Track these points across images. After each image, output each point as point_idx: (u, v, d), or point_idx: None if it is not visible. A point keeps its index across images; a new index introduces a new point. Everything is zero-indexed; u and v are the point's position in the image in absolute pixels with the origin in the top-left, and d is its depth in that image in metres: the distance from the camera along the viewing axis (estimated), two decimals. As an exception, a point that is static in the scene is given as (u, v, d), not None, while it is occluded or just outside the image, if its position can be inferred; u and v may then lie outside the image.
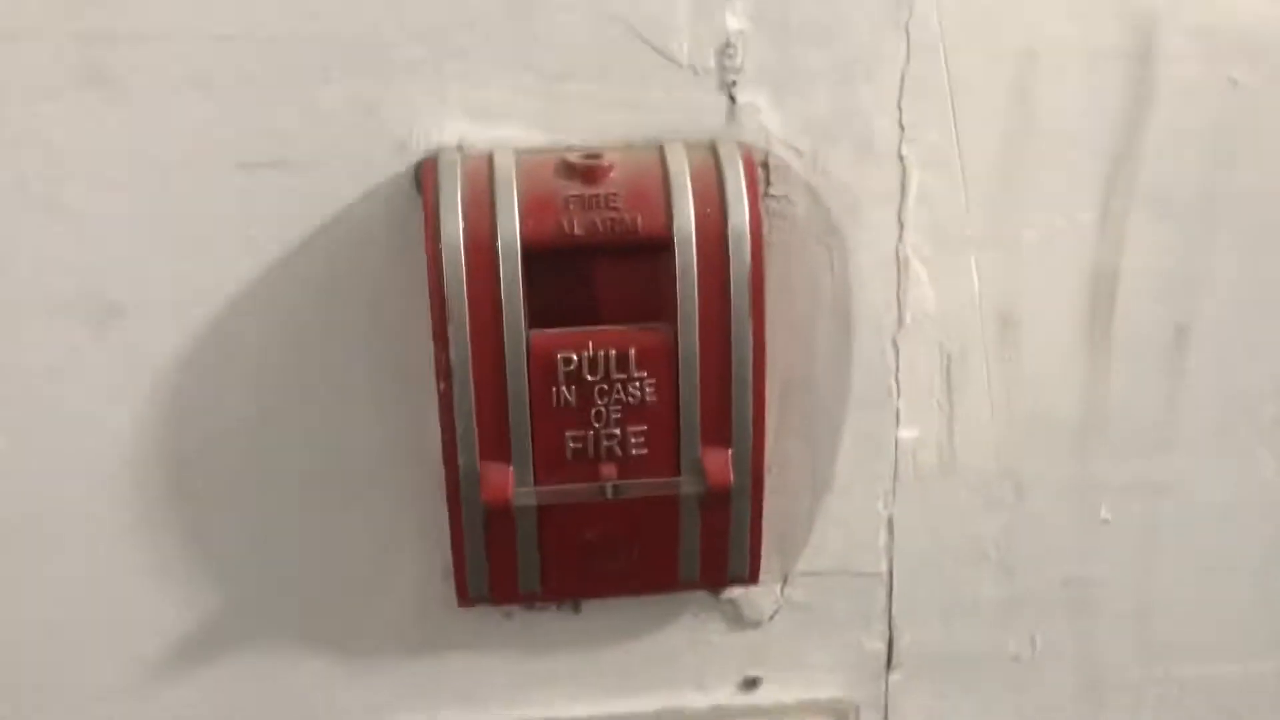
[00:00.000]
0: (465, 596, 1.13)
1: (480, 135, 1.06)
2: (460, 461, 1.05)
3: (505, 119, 1.06)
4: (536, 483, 1.06)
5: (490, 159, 1.04)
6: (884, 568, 1.21)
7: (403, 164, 1.06)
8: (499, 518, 1.07)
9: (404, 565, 1.16)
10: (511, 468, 1.05)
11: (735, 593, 1.19)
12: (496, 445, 1.05)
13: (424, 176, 1.05)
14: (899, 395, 1.16)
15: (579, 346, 1.03)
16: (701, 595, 1.19)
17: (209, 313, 1.07)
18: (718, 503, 1.09)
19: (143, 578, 1.13)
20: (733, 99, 1.07)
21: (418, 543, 1.15)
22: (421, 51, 1.03)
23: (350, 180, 1.06)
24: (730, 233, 1.02)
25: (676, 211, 1.02)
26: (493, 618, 1.17)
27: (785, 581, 1.19)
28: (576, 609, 1.18)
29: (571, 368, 1.03)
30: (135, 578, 1.13)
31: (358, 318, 1.09)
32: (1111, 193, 1.13)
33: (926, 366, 1.16)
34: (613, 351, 1.03)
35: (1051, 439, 1.19)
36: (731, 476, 1.06)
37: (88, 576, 1.12)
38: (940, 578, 1.22)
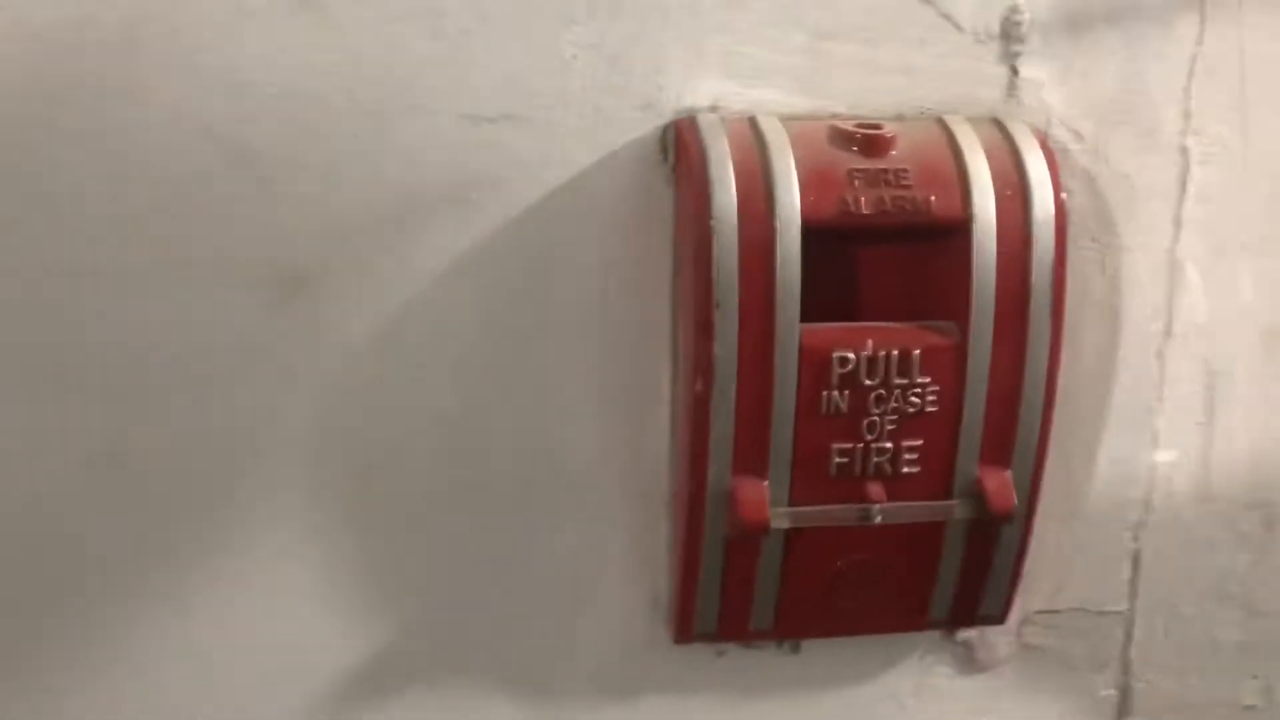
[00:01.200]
0: (687, 632, 0.98)
1: (737, 97, 0.91)
2: (709, 475, 0.90)
3: (766, 79, 0.92)
4: (792, 502, 0.91)
5: (754, 123, 0.90)
6: (1125, 606, 1.08)
7: (647, 125, 0.91)
8: (745, 543, 0.92)
9: (609, 595, 1.00)
10: (767, 484, 0.90)
11: (970, 633, 1.05)
12: (753, 457, 0.90)
13: (681, 140, 0.90)
14: (1159, 414, 1.04)
15: (857, 345, 0.88)
16: (933, 635, 1.05)
17: (410, 288, 0.90)
18: (989, 532, 0.95)
19: (313, 602, 0.95)
20: (1015, 71, 0.95)
21: (626, 569, 0.99)
22: (678, -5, 0.88)
23: (585, 141, 0.90)
24: (1034, 220, 0.89)
25: (976, 192, 0.88)
26: (704, 656, 1.02)
27: (1024, 620, 1.05)
28: (796, 648, 1.03)
29: (848, 369, 0.88)
30: (304, 602, 0.95)
31: (583, 302, 0.93)
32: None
33: (1190, 383, 1.04)
34: (894, 352, 0.89)
35: (1308, 466, 1.08)
36: (1014, 501, 0.92)
37: (252, 600, 0.94)
38: (1180, 618, 1.10)
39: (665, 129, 0.91)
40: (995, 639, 1.06)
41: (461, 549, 0.96)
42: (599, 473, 0.96)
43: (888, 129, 0.89)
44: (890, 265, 0.91)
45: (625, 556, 0.99)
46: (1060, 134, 0.96)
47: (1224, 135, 0.98)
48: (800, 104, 0.92)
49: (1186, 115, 0.98)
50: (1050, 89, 0.95)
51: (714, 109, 0.91)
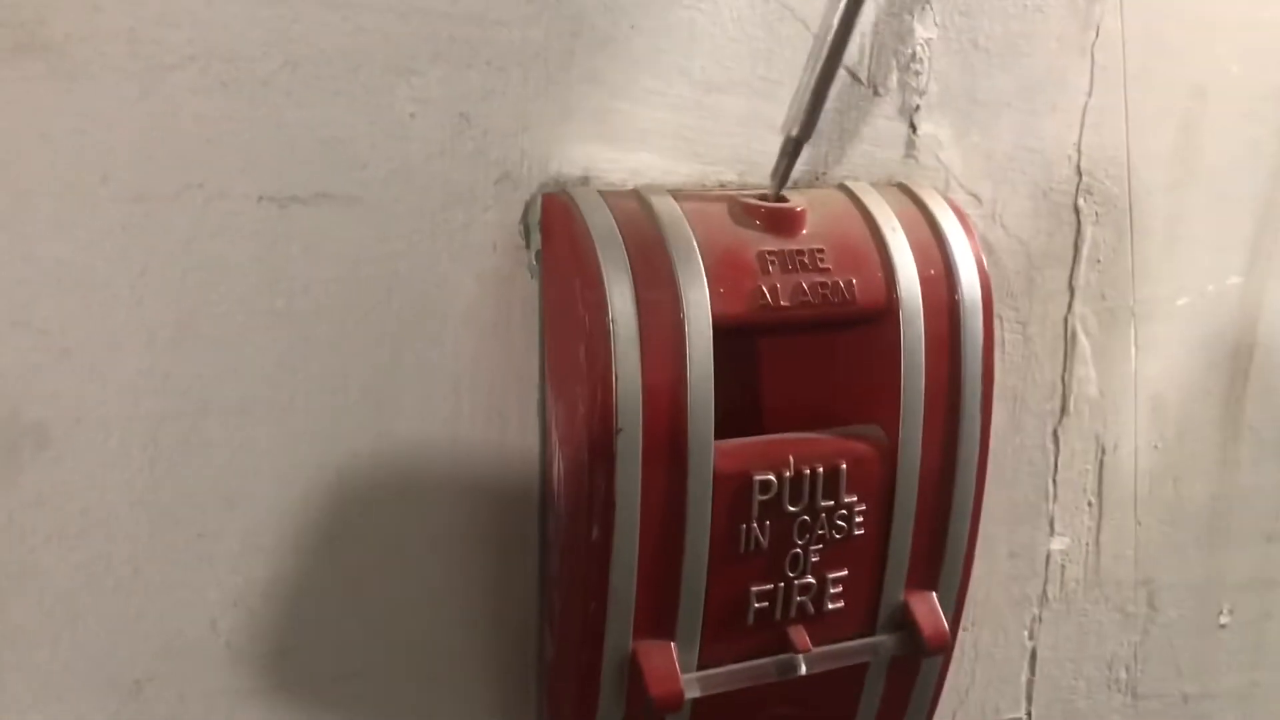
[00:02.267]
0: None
1: (612, 164, 0.74)
2: (606, 641, 0.71)
3: (646, 141, 0.74)
4: (703, 663, 0.74)
5: (641, 199, 0.72)
6: (1023, 711, 0.98)
7: (506, 202, 0.71)
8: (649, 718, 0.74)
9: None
10: (675, 645, 0.73)
11: (876, 766, 0.91)
12: (659, 615, 0.72)
13: (552, 221, 0.71)
14: (1054, 499, 0.95)
15: (778, 464, 0.72)
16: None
17: (211, 428, 0.67)
18: (913, 663, 0.82)
19: None
20: (914, 127, 0.82)
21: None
22: (538, 34, 0.69)
23: (427, 223, 0.70)
24: (962, 300, 0.76)
25: (900, 273, 0.74)
26: None
27: (929, 743, 0.93)
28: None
29: (769, 495, 0.72)
30: None
31: (428, 436, 0.72)
32: (1257, 254, 0.98)
33: (1082, 462, 0.96)
34: (819, 469, 0.73)
35: (1183, 535, 1.02)
36: (946, 631, 0.79)
37: None
38: (1075, 714, 1.01)
39: (528, 206, 0.72)
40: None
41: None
42: (455, 653, 0.75)
43: (795, 201, 0.74)
44: (806, 361, 0.76)
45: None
46: (959, 197, 0.85)
47: (1112, 192, 0.90)
48: (685, 170, 0.76)
49: (1079, 172, 0.89)
50: (949, 147, 0.84)
51: (585, 180, 0.73)
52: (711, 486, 0.70)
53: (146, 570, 0.68)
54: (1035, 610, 0.96)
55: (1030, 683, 0.98)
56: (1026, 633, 0.97)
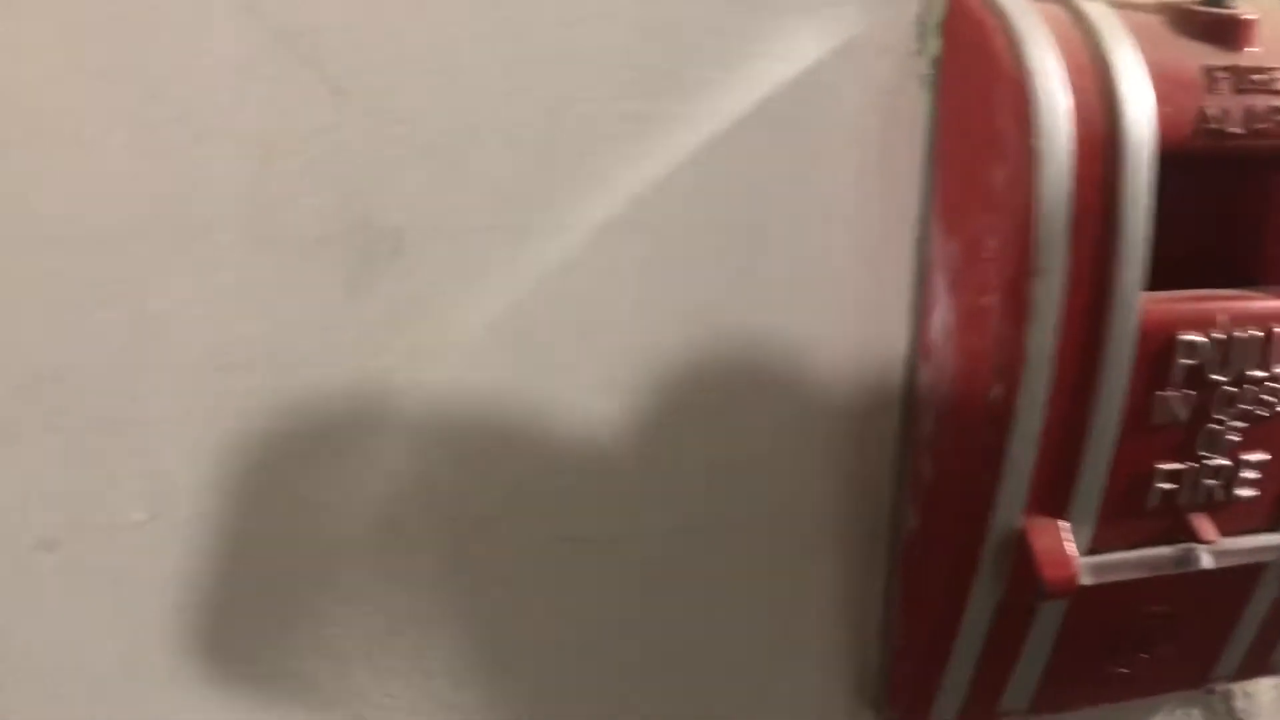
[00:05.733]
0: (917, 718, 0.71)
1: (1024, -38, 0.62)
2: (995, 515, 0.62)
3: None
4: (1094, 547, 0.64)
5: (1070, 4, 0.61)
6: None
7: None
8: (1019, 608, 0.65)
9: (800, 668, 0.71)
10: (1067, 525, 0.63)
11: (1230, 686, 0.81)
12: (1055, 490, 0.62)
13: (958, 23, 0.60)
14: None
15: (1206, 323, 0.61)
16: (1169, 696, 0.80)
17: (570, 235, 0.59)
18: (1320, 568, 0.70)
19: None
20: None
21: (826, 634, 0.71)
22: None
23: (809, 22, 0.60)
24: None
25: (1370, 103, 0.61)
26: (915, 742, 0.75)
27: (1291, 662, 0.82)
28: (1019, 720, 0.77)
29: (1193, 360, 0.61)
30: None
31: (792, 263, 0.63)
32: None
33: None
34: (1254, 334, 0.62)
35: None
36: (1373, 528, 0.67)
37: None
38: None
39: (927, 2, 0.61)
40: (1258, 688, 0.82)
41: (615, 603, 0.66)
42: (801, 501, 0.67)
43: (1245, 10, 0.62)
44: (1249, 203, 0.64)
45: (828, 615, 0.70)
46: None
47: None
48: (1105, -26, 0.63)
49: None
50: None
51: (997, -21, 0.61)
52: (1134, 345, 0.60)
53: (505, 400, 0.61)
54: None
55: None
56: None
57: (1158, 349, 0.60)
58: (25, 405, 0.55)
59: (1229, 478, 0.65)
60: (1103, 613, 0.68)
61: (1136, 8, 0.62)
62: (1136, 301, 0.59)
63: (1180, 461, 0.64)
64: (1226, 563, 0.66)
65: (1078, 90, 0.57)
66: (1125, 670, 0.72)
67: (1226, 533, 0.66)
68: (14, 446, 0.56)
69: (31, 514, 0.57)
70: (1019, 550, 0.63)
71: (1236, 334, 0.61)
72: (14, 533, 0.57)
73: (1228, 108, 0.59)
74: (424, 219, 0.57)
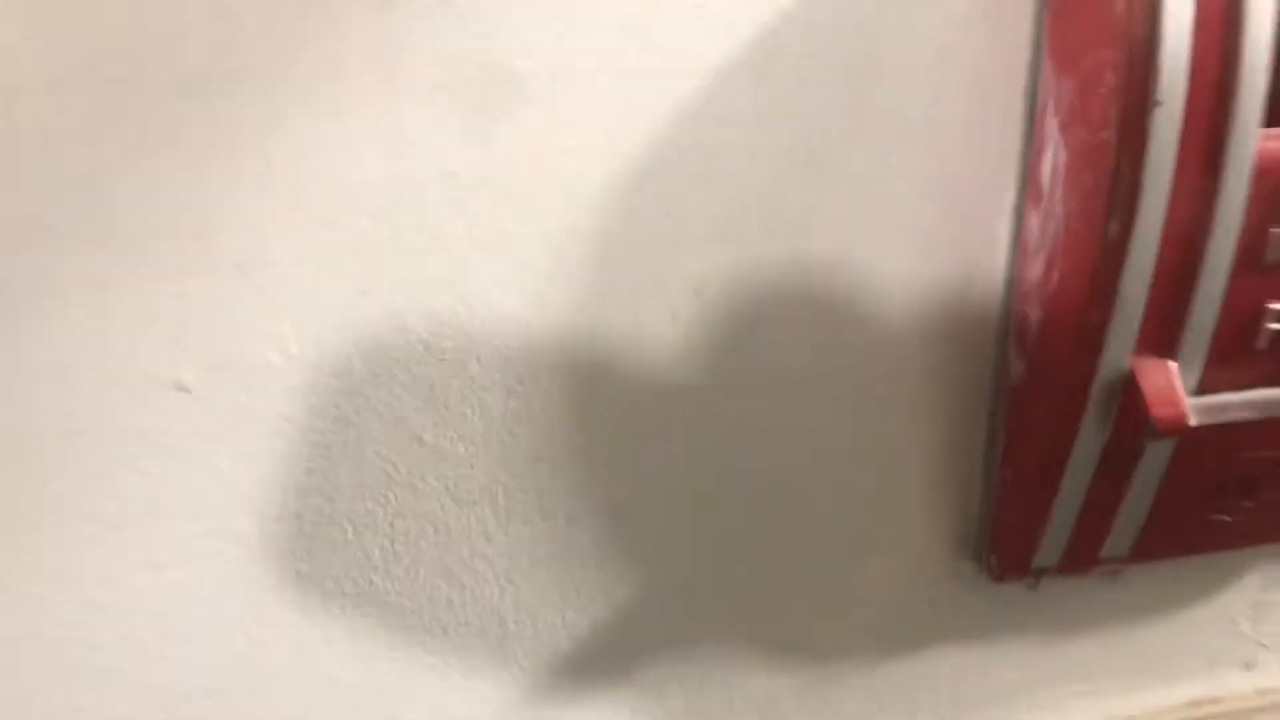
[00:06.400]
0: (1018, 568, 0.72)
1: None
2: (1104, 354, 0.63)
3: None
4: (1203, 389, 0.65)
5: None
6: None
7: None
8: (1125, 452, 0.66)
9: (904, 520, 0.73)
10: (1175, 365, 0.63)
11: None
12: (1165, 329, 0.63)
13: None
14: None
15: (1322, 160, 0.61)
16: (1269, 548, 0.81)
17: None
18: None
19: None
20: None
21: (929, 484, 0.72)
22: None
23: None
24: None
25: None
26: (1012, 592, 0.76)
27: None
28: (1115, 575, 0.78)
29: (1310, 196, 0.61)
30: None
31: (906, 93, 0.63)
32: None
33: None
34: (1372, 170, 0.61)
35: None
36: None
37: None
38: None
39: None
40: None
41: (715, 458, 0.68)
42: (902, 353, 0.68)
43: None
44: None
45: (930, 466, 0.71)
46: None
47: None
48: None
49: None
50: None
51: None
52: (1249, 181, 0.59)
53: (613, 249, 0.62)
54: None
55: None
56: None
57: (1274, 186, 0.60)
58: (161, 249, 0.57)
59: (1341, 319, 0.65)
60: (1208, 457, 0.69)
61: None
62: (1254, 137, 0.59)
63: (1292, 302, 0.64)
64: (1336, 405, 0.66)
65: (1202, -83, 0.56)
66: (1228, 518, 0.72)
67: (1335, 375, 0.66)
68: (150, 293, 0.57)
69: (166, 356, 0.59)
70: (1127, 391, 0.63)
71: (1353, 169, 0.61)
72: (150, 375, 0.59)
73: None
74: (544, 63, 0.58)
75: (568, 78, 0.58)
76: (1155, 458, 0.67)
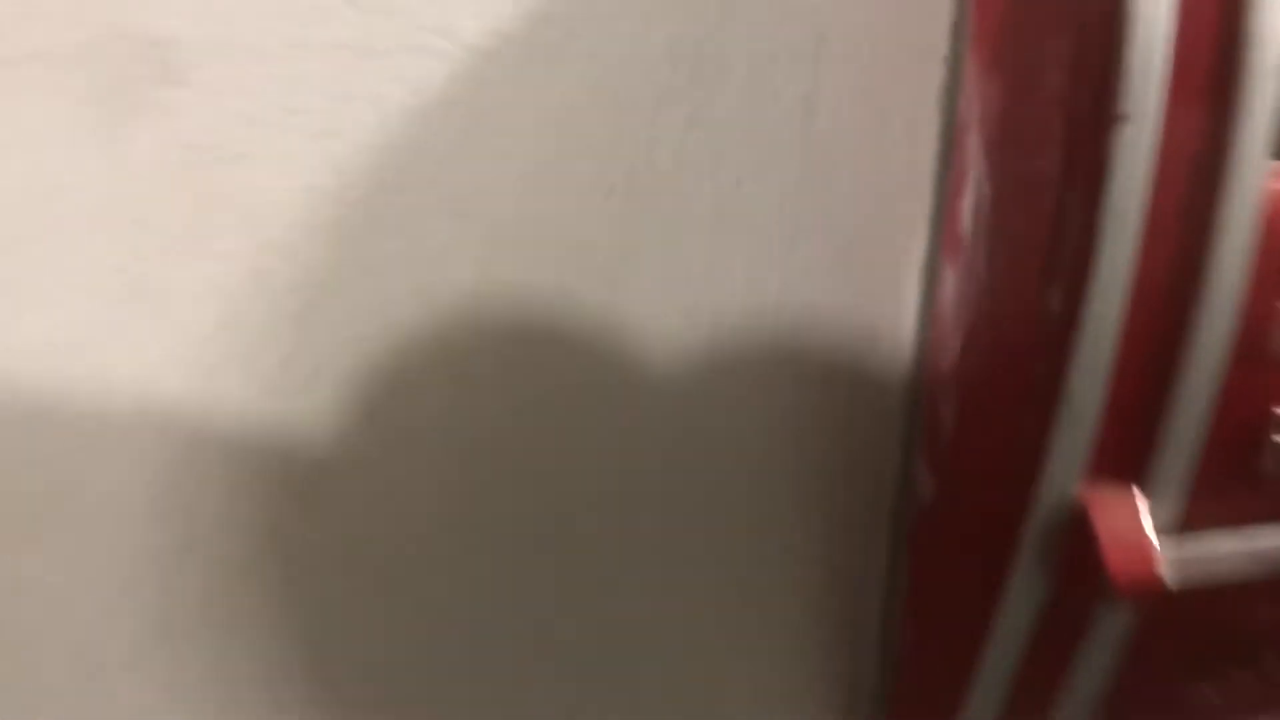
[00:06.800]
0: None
1: None
2: (1045, 480, 0.44)
3: None
4: (1185, 526, 0.46)
5: None
6: None
7: None
8: (1072, 612, 0.47)
9: (761, 679, 0.53)
10: (1144, 496, 0.45)
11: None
12: (1130, 445, 0.44)
13: None
14: None
15: (1359, 209, 0.42)
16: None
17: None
18: None
19: None
20: None
21: (800, 639, 0.53)
22: None
23: None
24: None
25: None
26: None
27: None
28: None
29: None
30: None
31: (778, 105, 0.44)
32: None
33: None
34: None
35: None
36: None
37: None
38: None
39: None
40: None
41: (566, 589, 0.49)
42: (775, 450, 0.49)
43: None
44: None
45: (805, 609, 0.52)
46: None
47: None
48: None
49: None
50: None
51: None
52: (1254, 235, 0.41)
53: (318, 303, 0.43)
54: None
55: None
56: None
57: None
58: None
59: (1374, 435, 0.46)
60: (1192, 619, 0.50)
61: None
62: (1262, 172, 0.40)
63: (1309, 405, 0.45)
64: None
65: None
66: (1214, 695, 0.53)
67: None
68: None
69: None
70: (1075, 530, 0.44)
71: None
72: None
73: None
74: (202, 32, 0.39)
75: (238, 53, 0.39)
76: (1115, 621, 0.48)
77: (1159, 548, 0.44)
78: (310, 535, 0.45)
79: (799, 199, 0.45)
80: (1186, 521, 0.46)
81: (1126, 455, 0.44)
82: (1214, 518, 0.46)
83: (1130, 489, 0.44)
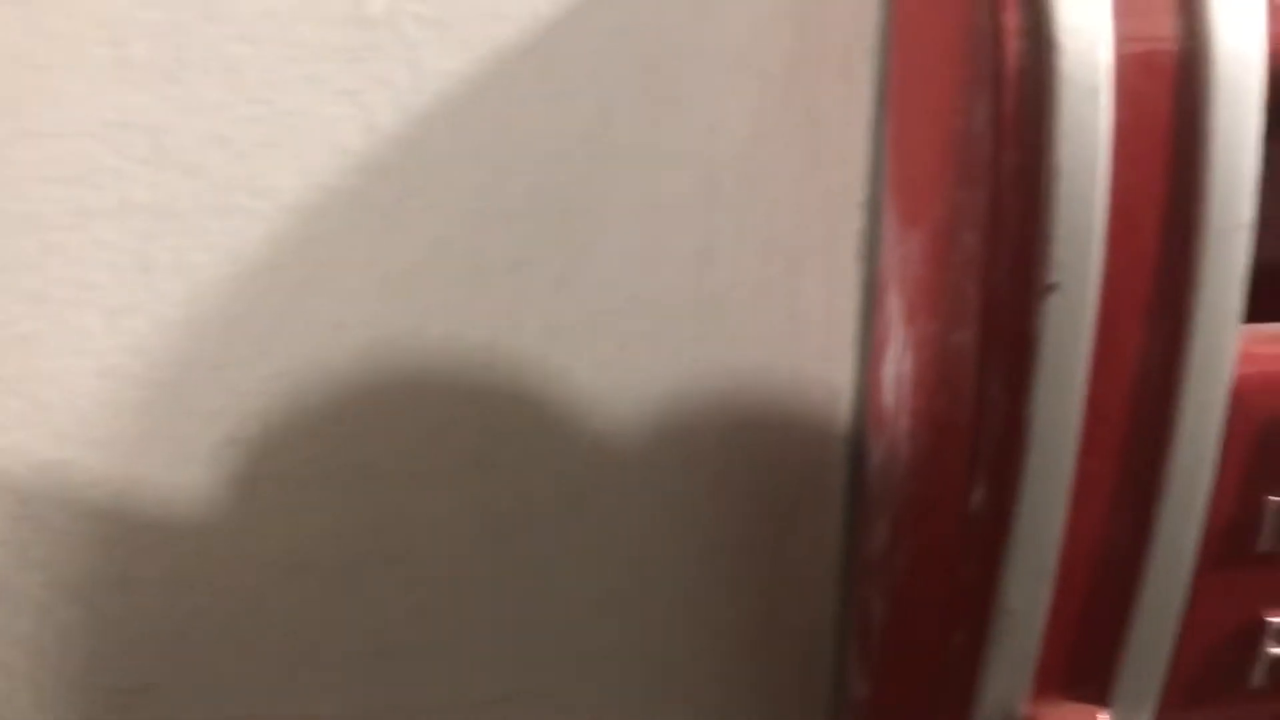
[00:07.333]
0: None
1: None
2: (981, 692, 0.37)
3: None
4: (1160, 750, 0.39)
5: None
6: None
7: None
8: None
9: None
10: (1105, 714, 0.37)
11: None
12: (1083, 655, 0.37)
13: None
14: None
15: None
16: None
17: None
18: None
19: None
20: None
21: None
22: None
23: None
24: None
25: None
26: None
27: None
28: None
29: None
30: None
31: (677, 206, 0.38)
32: None
33: None
34: None
35: None
36: None
37: None
38: None
39: None
40: None
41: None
42: (691, 640, 0.42)
43: None
44: None
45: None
46: None
47: None
48: None
49: None
50: None
51: None
52: (1226, 417, 0.34)
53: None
54: None
55: None
56: None
57: (1268, 424, 0.35)
58: None
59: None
60: None
61: None
62: (1232, 341, 0.33)
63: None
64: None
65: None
66: None
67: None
68: None
69: None
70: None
71: None
72: None
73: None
74: None
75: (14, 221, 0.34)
76: None
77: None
78: None
79: (694, 365, 0.39)
80: (1160, 742, 0.38)
81: (1082, 669, 0.37)
82: (1189, 735, 0.39)
83: (1090, 708, 0.37)
